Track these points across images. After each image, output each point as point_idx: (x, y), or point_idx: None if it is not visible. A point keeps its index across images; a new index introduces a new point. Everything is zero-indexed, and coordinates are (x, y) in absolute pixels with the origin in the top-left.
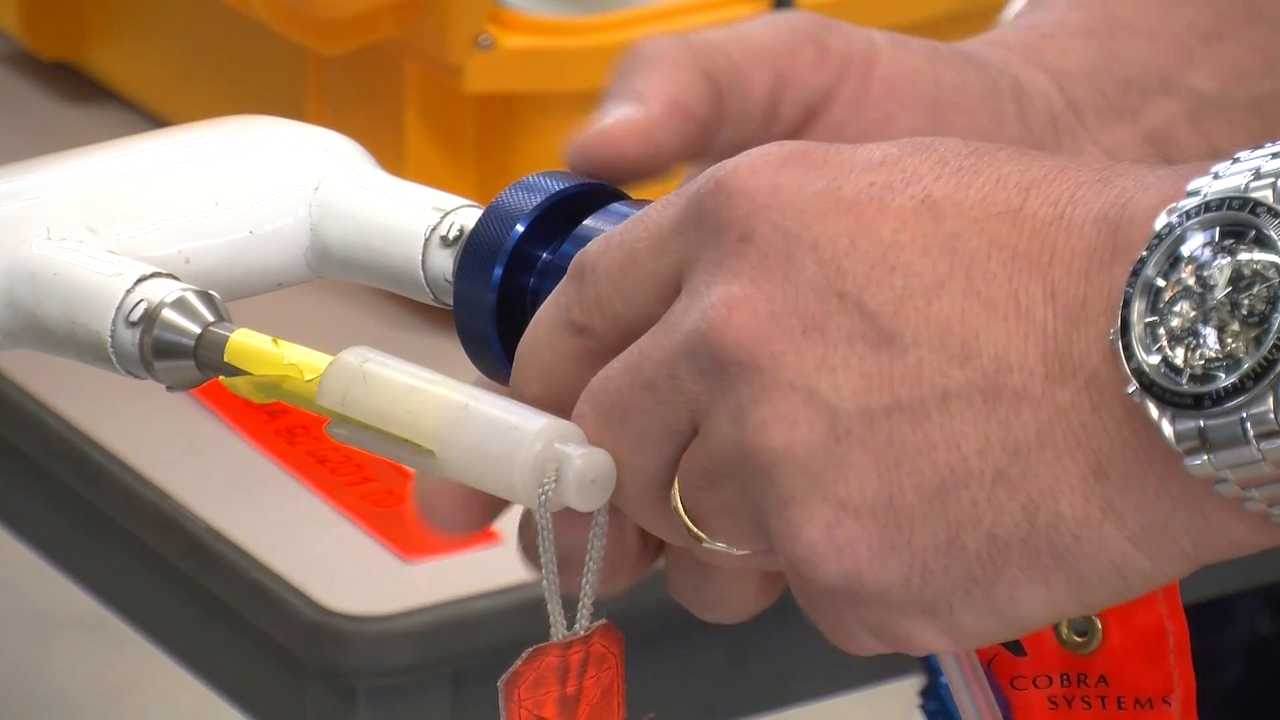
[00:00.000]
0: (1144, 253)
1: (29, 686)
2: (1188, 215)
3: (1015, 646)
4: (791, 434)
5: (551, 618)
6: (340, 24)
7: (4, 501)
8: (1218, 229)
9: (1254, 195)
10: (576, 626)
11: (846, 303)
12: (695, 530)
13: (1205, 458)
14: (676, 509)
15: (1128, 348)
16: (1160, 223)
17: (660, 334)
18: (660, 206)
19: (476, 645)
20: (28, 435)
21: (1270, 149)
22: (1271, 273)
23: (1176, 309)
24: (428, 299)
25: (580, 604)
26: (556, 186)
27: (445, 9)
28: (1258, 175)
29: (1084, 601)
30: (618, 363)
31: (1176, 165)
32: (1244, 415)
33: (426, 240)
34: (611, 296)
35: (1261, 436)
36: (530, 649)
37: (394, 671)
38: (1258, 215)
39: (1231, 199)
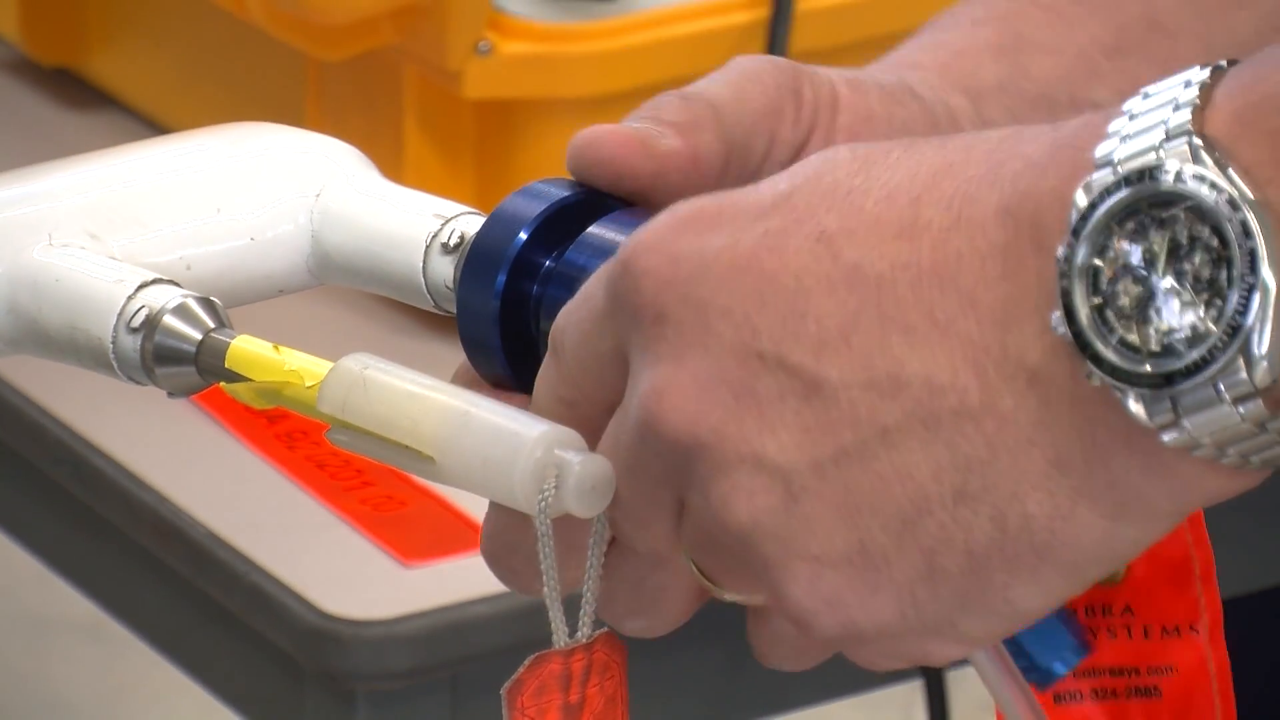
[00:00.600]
0: (1070, 238)
1: (28, 691)
2: (1107, 191)
3: None
4: (751, 503)
5: (553, 625)
6: (339, 30)
7: (4, 506)
8: (1143, 199)
9: (1170, 159)
10: (579, 634)
11: (767, 361)
12: (712, 586)
13: (1180, 429)
14: (690, 568)
15: (1079, 336)
16: (1080, 201)
17: (620, 421)
18: (593, 283)
19: (475, 650)
20: (27, 440)
21: (1163, 95)
22: (1208, 236)
23: (1121, 287)
24: (428, 306)
25: (582, 612)
26: (560, 194)
27: (444, 15)
28: (1167, 135)
29: (1080, 581)
30: (601, 447)
31: (1059, 132)
32: (1218, 383)
33: (427, 247)
34: (580, 376)
35: (1238, 400)
36: (532, 656)
37: (393, 676)
38: (1181, 180)
39: (1149, 168)
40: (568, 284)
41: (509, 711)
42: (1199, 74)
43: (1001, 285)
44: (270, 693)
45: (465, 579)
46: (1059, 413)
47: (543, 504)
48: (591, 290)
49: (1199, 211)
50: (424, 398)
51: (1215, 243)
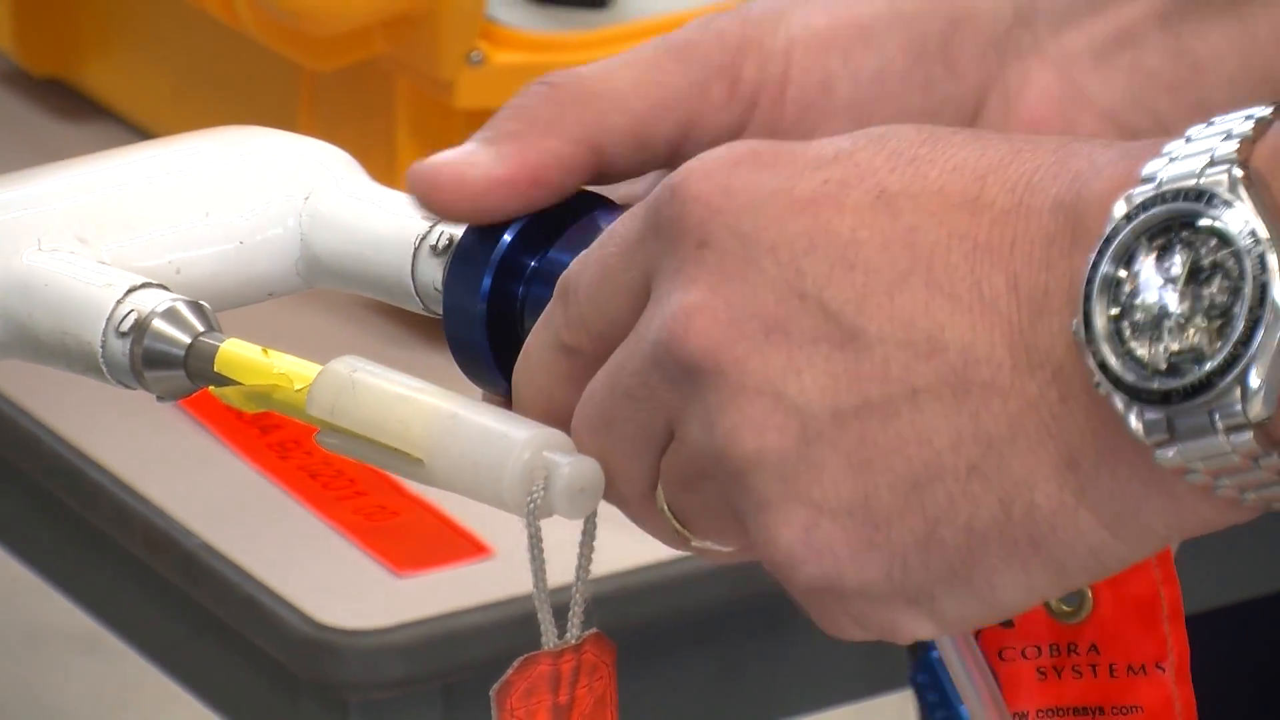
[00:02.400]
0: (1101, 244)
1: (23, 703)
2: (1144, 206)
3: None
4: (762, 439)
5: (542, 626)
6: (332, 40)
7: None
8: (1176, 219)
9: (1208, 185)
10: (568, 635)
11: (808, 303)
12: (682, 530)
13: (1174, 450)
14: (662, 510)
15: (1091, 342)
16: (1118, 211)
17: (632, 344)
18: (627, 218)
19: (468, 659)
20: (21, 451)
21: (1222, 125)
22: (1231, 263)
23: (1138, 302)
24: (417, 308)
25: (571, 613)
26: None
27: (436, 25)
28: (1212, 161)
29: (1063, 584)
30: (601, 374)
31: (1130, 144)
32: (1213, 410)
33: (416, 249)
34: (592, 314)
35: (1230, 430)
36: (521, 658)
37: (386, 685)
38: (1214, 206)
39: (1187, 190)
40: (552, 283)
41: (498, 713)
42: (1262, 110)
43: (1043, 274)
44: (264, 703)
45: (458, 588)
46: (1075, 411)
47: (531, 506)
48: (621, 225)
49: (1224, 238)
50: (412, 400)
51: (1235, 272)
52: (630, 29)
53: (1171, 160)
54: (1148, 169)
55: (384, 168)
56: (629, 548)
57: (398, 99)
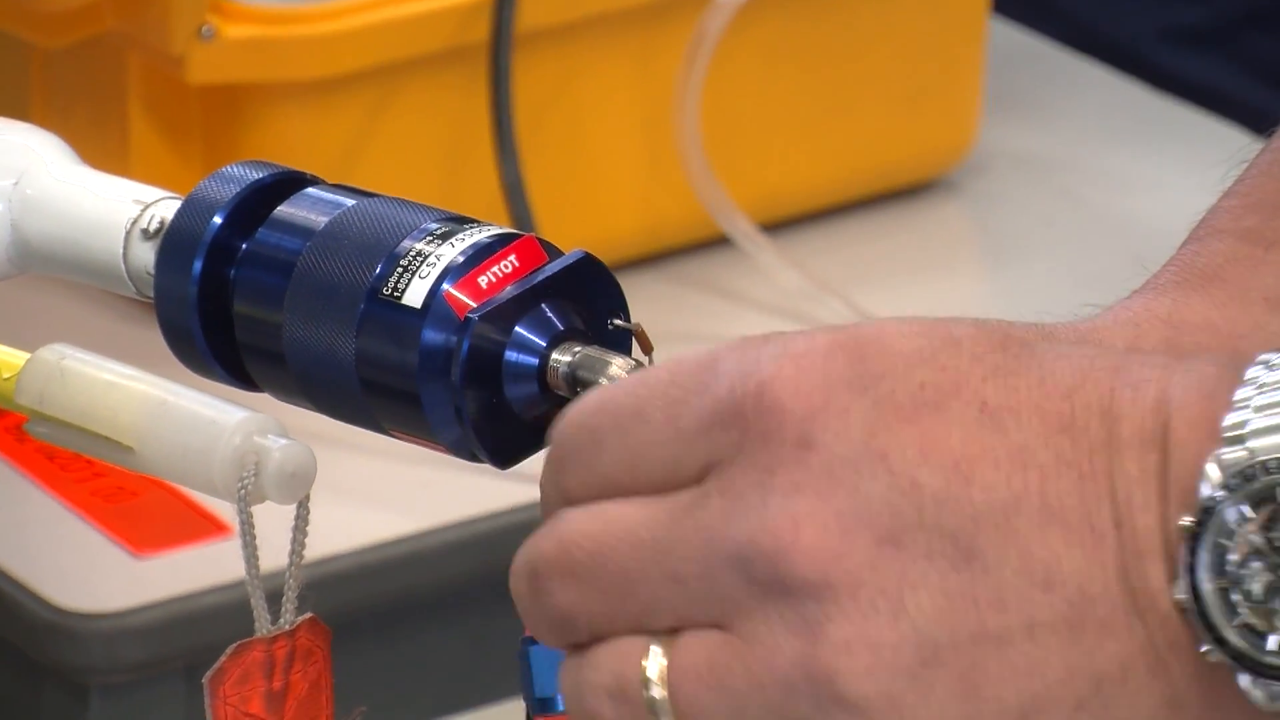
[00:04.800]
0: (1201, 514)
1: None
2: (1244, 476)
3: None
4: (877, 655)
5: (255, 612)
6: (61, 16)
7: None
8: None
9: None
10: (281, 620)
11: (923, 518)
12: None
13: None
14: (656, 703)
15: (1204, 615)
16: (1213, 474)
17: (692, 530)
18: (668, 403)
19: (210, 640)
20: None
21: None
22: None
23: (1249, 572)
24: (130, 293)
25: (284, 598)
26: (253, 176)
27: (166, 0)
28: None
29: None
30: (620, 540)
31: (1194, 373)
32: None
33: (127, 233)
34: (606, 491)
35: None
36: (234, 644)
37: (127, 668)
38: None
39: None
40: (261, 264)
41: (211, 700)
42: None
43: (1142, 516)
44: (3, 689)
45: (198, 569)
46: (1183, 660)
47: (242, 491)
48: (660, 408)
49: None
50: (122, 387)
51: None
52: (361, 1)
53: (1255, 410)
54: (1230, 420)
55: (118, 144)
56: (374, 526)
57: (129, 75)
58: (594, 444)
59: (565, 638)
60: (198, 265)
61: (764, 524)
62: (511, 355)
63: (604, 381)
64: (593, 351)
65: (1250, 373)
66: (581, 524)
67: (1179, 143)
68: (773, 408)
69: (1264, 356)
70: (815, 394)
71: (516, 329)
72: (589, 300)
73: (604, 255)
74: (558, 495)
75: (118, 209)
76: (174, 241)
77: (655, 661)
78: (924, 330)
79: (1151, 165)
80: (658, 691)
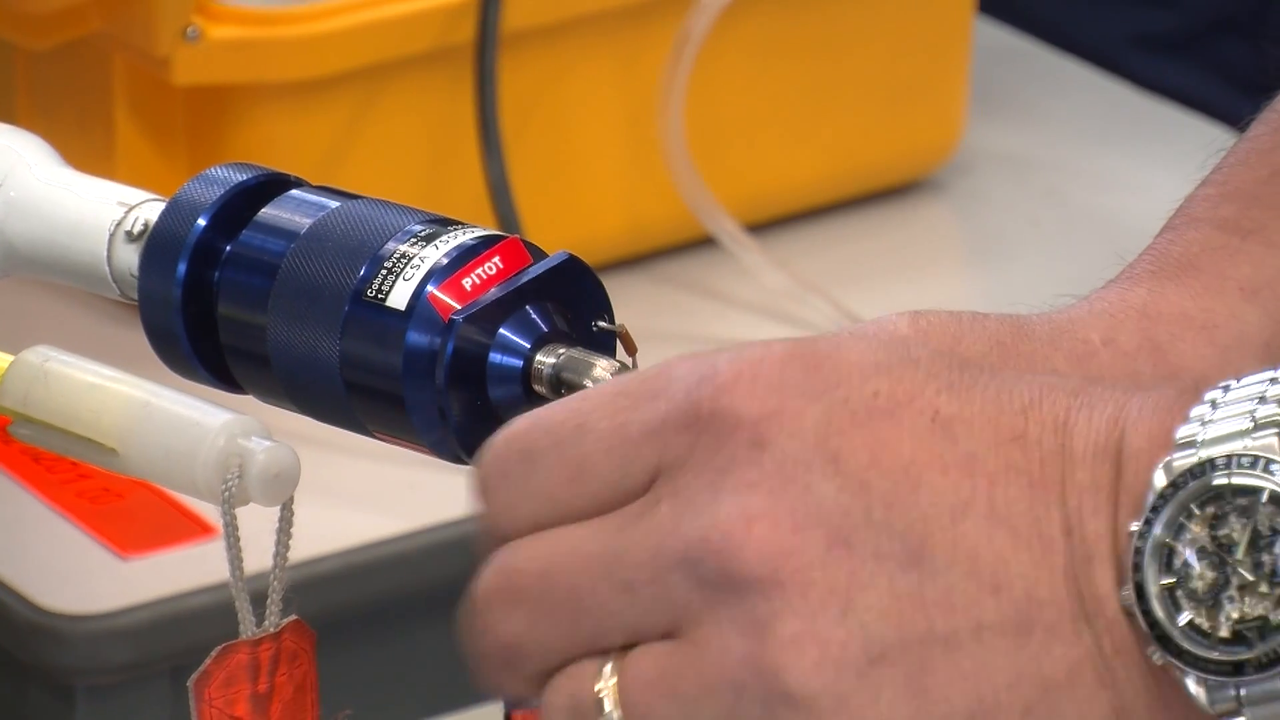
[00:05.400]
0: (1148, 513)
1: None
2: (1191, 474)
3: None
4: (824, 651)
5: (240, 614)
6: (46, 18)
7: None
8: (1229, 488)
9: (1258, 451)
10: (266, 623)
11: (873, 519)
12: None
13: (1243, 718)
14: (610, 716)
15: (1148, 614)
16: (1159, 480)
17: (641, 535)
18: (614, 411)
19: (195, 641)
20: None
21: (1250, 387)
22: None
23: (1195, 571)
24: (114, 295)
25: (269, 600)
26: (238, 178)
27: (151, 1)
28: (1255, 425)
29: None
30: (567, 558)
31: (1151, 394)
32: None
33: (111, 235)
34: (566, 493)
35: None
36: (219, 647)
37: (113, 669)
38: (1270, 471)
39: (1237, 456)
40: (245, 266)
41: (196, 703)
42: None
43: (1092, 522)
44: None
45: (184, 570)
46: (1128, 666)
47: (226, 494)
48: (607, 414)
49: None
50: (106, 389)
51: None
52: (345, 2)
53: (1205, 424)
54: (1183, 432)
55: (102, 146)
56: (358, 527)
57: (114, 77)
58: (527, 463)
59: (518, 672)
60: (182, 267)
61: (715, 521)
62: (496, 357)
63: (588, 383)
64: (577, 353)
65: (1210, 394)
66: (524, 550)
67: (1164, 142)
68: (728, 410)
69: (1225, 382)
70: (770, 398)
71: (501, 331)
72: (573, 302)
73: (589, 255)
74: (487, 526)
75: (102, 211)
76: (158, 243)
77: (607, 678)
78: (882, 347)
79: (1136, 165)
80: (610, 706)
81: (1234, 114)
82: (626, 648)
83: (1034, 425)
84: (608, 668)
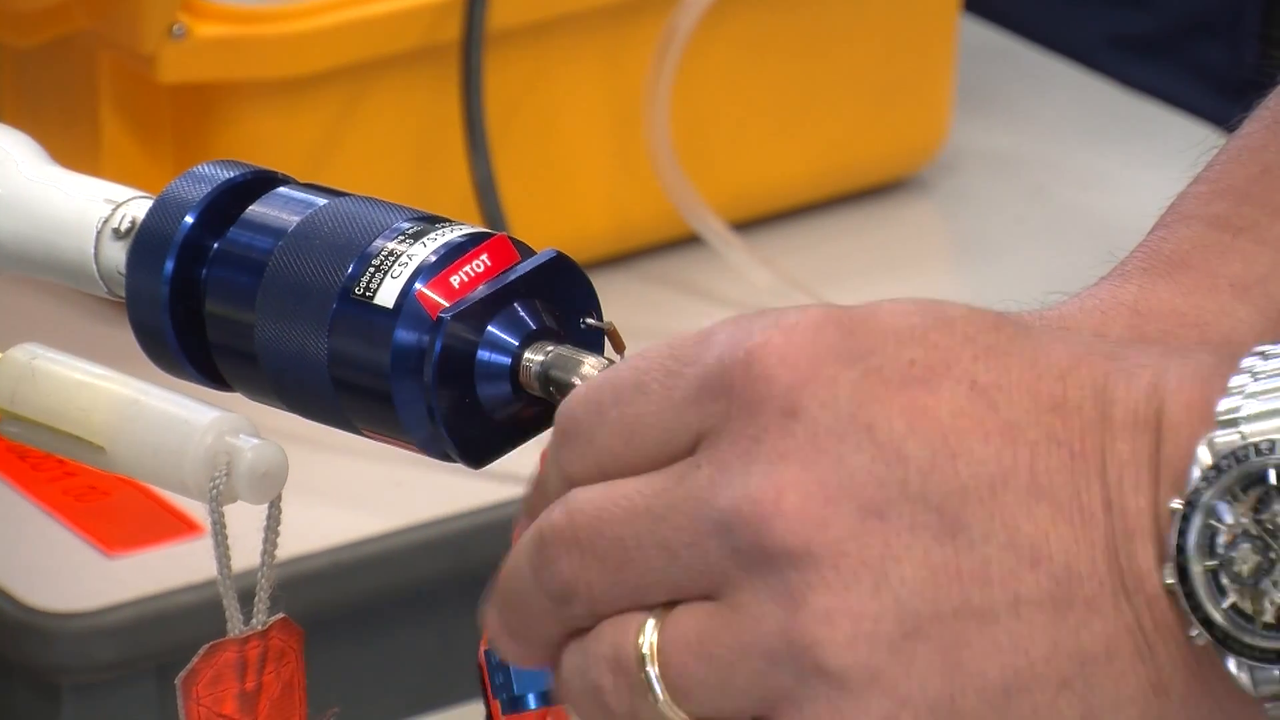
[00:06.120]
0: (1191, 494)
1: None
2: (1235, 458)
3: None
4: (857, 626)
5: (227, 612)
6: (32, 16)
7: None
8: (1273, 470)
9: None
10: (254, 621)
11: (908, 489)
12: (666, 699)
13: None
14: (648, 675)
15: (1190, 595)
16: (1204, 457)
17: (681, 498)
18: (664, 374)
19: (181, 639)
20: None
21: None
22: None
23: (1238, 554)
24: (101, 292)
25: (256, 598)
26: (225, 175)
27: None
28: None
29: None
30: (617, 507)
31: (1191, 360)
32: None
33: (99, 233)
34: (612, 464)
35: None
36: (206, 645)
37: (99, 667)
38: None
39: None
40: (233, 264)
41: (184, 702)
42: None
43: (1133, 498)
44: None
45: (169, 568)
46: (1168, 642)
47: (214, 492)
48: (656, 379)
49: None
50: (94, 387)
51: None
52: (333, 1)
53: (1246, 397)
54: (1224, 405)
55: (89, 144)
56: (346, 525)
57: (100, 74)
58: (597, 417)
59: (563, 612)
60: (169, 265)
61: (747, 492)
62: (484, 355)
63: (576, 381)
64: (565, 351)
65: (1246, 361)
66: (584, 495)
67: (1149, 141)
68: (760, 376)
69: (1260, 347)
70: (803, 363)
71: (489, 328)
72: (561, 299)
73: (575, 253)
74: (558, 472)
75: (89, 208)
76: (145, 241)
77: (650, 634)
78: (918, 309)
79: (1122, 162)
80: (650, 662)
81: (1210, 114)
82: (672, 605)
83: (1073, 392)
84: (650, 623)
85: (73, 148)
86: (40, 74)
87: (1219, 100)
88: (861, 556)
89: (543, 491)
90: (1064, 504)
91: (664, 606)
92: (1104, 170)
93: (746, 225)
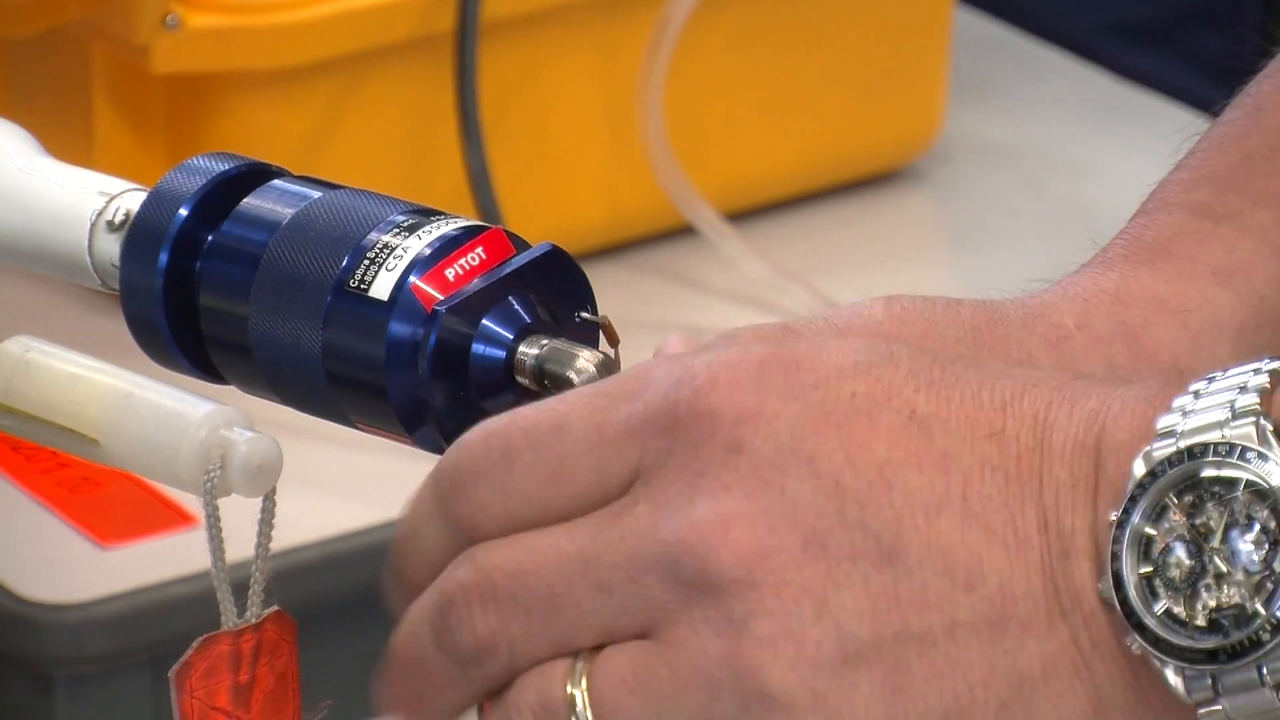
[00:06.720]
0: (1126, 502)
1: None
2: (1169, 462)
3: None
4: (800, 650)
5: (221, 606)
6: (25, 6)
7: None
8: (1207, 477)
9: (1237, 439)
10: (248, 614)
11: (847, 519)
12: None
13: (1220, 705)
14: (579, 710)
15: (1125, 603)
16: (1138, 469)
17: (618, 537)
18: (591, 412)
19: (175, 630)
20: None
21: (1233, 379)
22: (1267, 518)
23: (1173, 559)
24: (95, 285)
25: (250, 591)
26: (219, 168)
27: None
28: (1234, 414)
29: None
30: (542, 556)
31: (1134, 387)
32: (1262, 667)
33: (92, 225)
34: (545, 493)
35: (1278, 685)
36: (200, 638)
37: (92, 659)
38: (1246, 460)
39: (1215, 445)
40: (227, 256)
41: (178, 694)
42: (1269, 363)
43: (1069, 517)
44: None
45: (163, 559)
46: (1105, 659)
47: (208, 485)
48: (586, 415)
49: (1259, 493)
50: (87, 380)
51: (1273, 525)
52: None
53: (1186, 415)
54: (1163, 422)
55: (82, 135)
56: (340, 517)
57: (94, 65)
58: (504, 461)
59: (474, 674)
60: (163, 258)
61: (691, 523)
62: (479, 348)
63: (572, 374)
64: (560, 344)
65: (1194, 385)
66: (500, 549)
67: (1144, 131)
68: (706, 413)
69: (1211, 374)
70: (747, 400)
71: (484, 322)
72: (556, 293)
73: (569, 244)
74: (446, 526)
75: (83, 200)
76: (139, 233)
77: (578, 677)
78: (865, 347)
79: (1116, 153)
80: (582, 705)
81: (1210, 103)
82: (598, 648)
83: (1012, 421)
84: (579, 666)
85: (66, 139)
86: (33, 65)
87: (1218, 89)
88: (804, 584)
89: (421, 552)
90: (998, 528)
91: (589, 650)
92: (1099, 160)
93: (741, 216)
